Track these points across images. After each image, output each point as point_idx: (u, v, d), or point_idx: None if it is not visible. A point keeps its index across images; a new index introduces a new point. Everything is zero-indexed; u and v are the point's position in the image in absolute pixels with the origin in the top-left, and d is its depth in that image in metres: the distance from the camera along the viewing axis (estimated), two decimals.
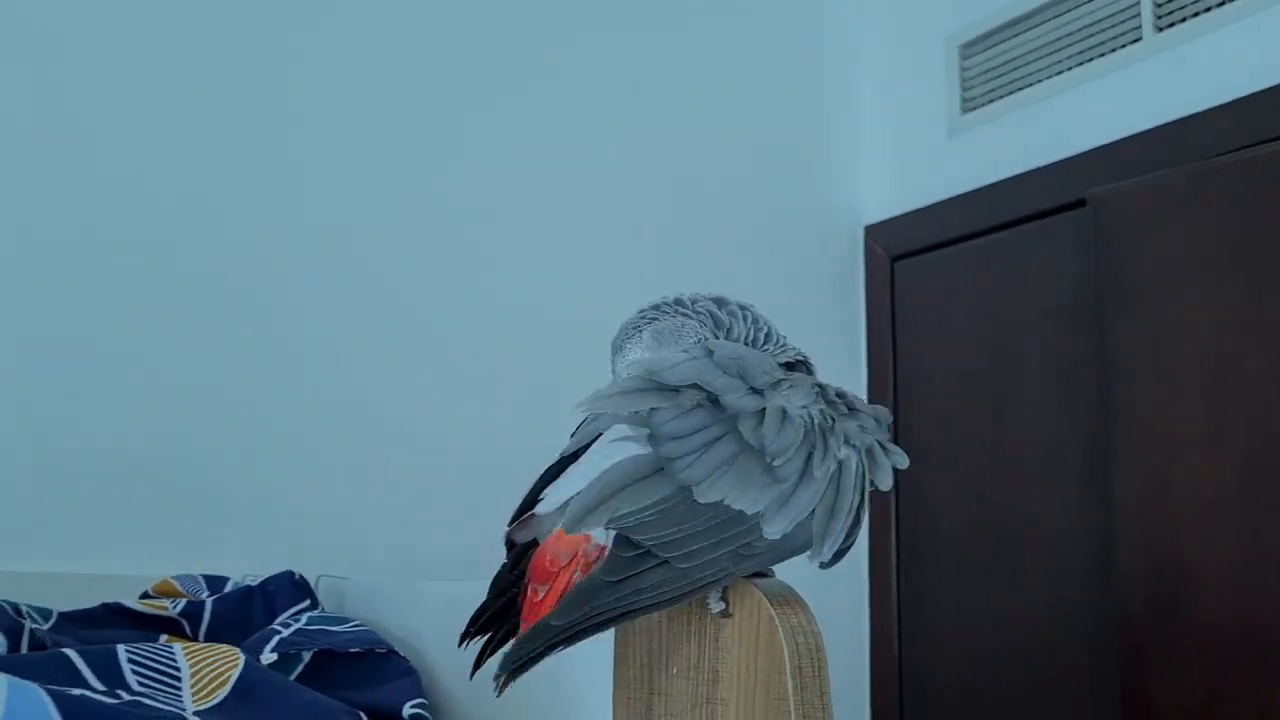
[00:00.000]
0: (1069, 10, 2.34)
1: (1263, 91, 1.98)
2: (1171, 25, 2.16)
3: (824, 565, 0.80)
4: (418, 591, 1.27)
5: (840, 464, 0.80)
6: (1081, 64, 2.31)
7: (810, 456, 0.79)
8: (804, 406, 0.81)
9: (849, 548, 0.80)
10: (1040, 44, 2.40)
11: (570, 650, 0.73)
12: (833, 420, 0.82)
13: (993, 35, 2.51)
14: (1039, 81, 2.39)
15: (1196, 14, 2.12)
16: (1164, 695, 1.94)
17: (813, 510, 0.78)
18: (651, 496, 0.75)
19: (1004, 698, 2.33)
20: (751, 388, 0.81)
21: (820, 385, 0.85)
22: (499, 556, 0.84)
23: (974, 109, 2.54)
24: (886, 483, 0.82)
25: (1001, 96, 2.48)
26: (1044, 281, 2.33)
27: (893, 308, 2.69)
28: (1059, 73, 2.36)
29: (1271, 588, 1.84)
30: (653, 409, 0.79)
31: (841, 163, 2.80)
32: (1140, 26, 2.21)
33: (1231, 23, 2.06)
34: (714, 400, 0.80)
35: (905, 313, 2.67)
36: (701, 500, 0.75)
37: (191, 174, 1.81)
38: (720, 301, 0.95)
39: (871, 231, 2.75)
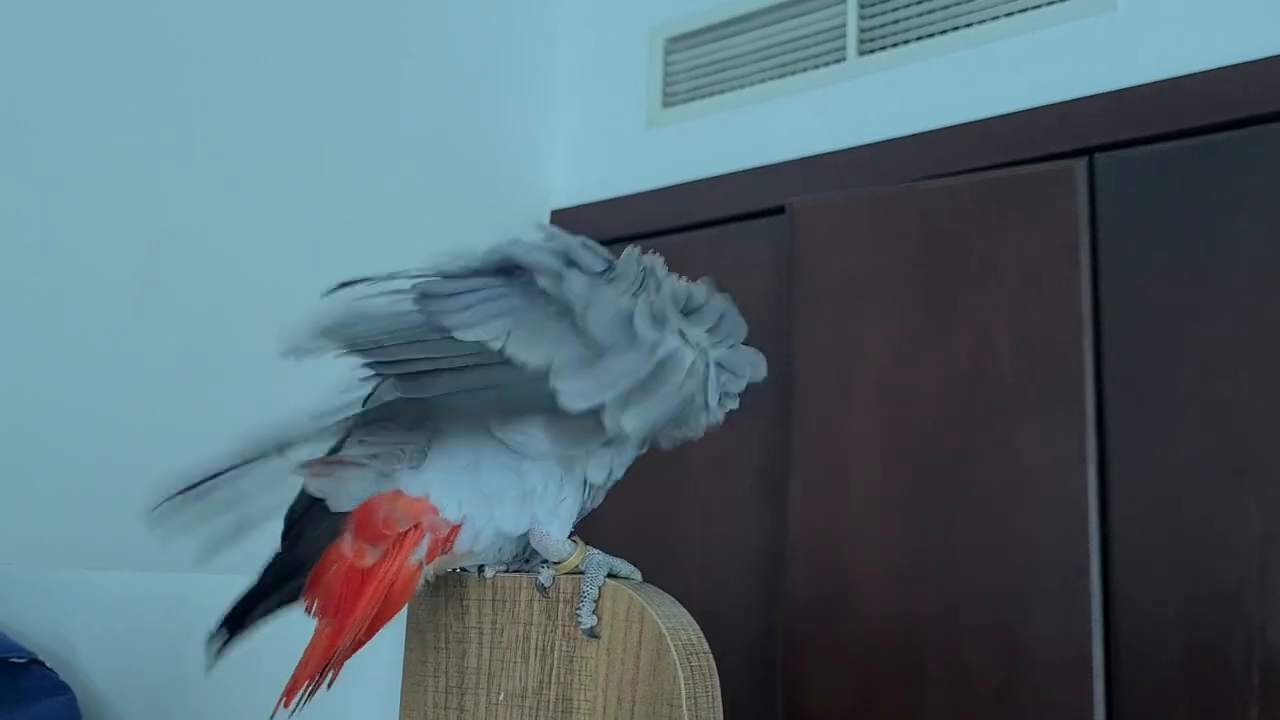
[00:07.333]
0: (778, 21, 2.37)
1: (952, 127, 2.10)
2: (873, 51, 2.24)
3: (622, 437, 0.67)
4: (73, 583, 0.96)
5: (670, 354, 0.68)
6: (786, 75, 2.35)
7: (633, 321, 0.67)
8: (629, 293, 0.69)
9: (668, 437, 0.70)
10: (748, 49, 2.41)
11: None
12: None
13: (701, 34, 2.50)
14: (744, 86, 2.40)
15: (896, 44, 2.22)
16: (820, 695, 1.98)
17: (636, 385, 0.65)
18: (399, 324, 0.61)
19: None
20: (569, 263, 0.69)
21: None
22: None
23: (676, 104, 2.51)
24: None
25: (705, 96, 2.47)
26: (739, 284, 2.32)
27: None
28: (764, 80, 2.38)
29: (926, 598, 1.93)
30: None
31: (531, 143, 2.66)
32: (845, 48, 2.27)
33: (928, 58, 2.17)
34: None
35: None
36: (463, 338, 0.60)
37: None
38: None
39: (559, 217, 2.64)
